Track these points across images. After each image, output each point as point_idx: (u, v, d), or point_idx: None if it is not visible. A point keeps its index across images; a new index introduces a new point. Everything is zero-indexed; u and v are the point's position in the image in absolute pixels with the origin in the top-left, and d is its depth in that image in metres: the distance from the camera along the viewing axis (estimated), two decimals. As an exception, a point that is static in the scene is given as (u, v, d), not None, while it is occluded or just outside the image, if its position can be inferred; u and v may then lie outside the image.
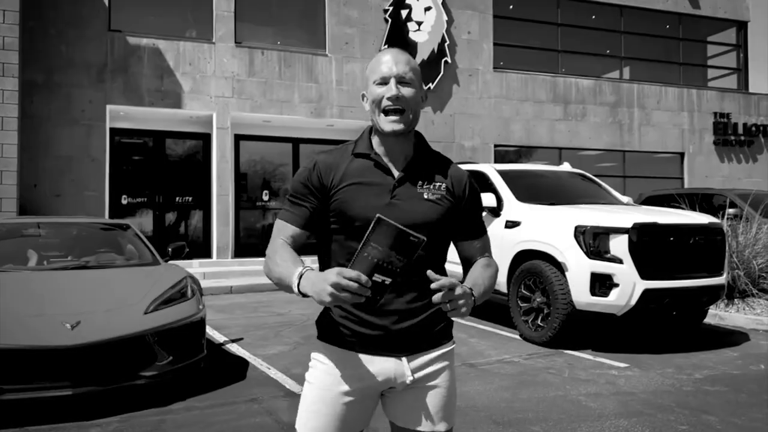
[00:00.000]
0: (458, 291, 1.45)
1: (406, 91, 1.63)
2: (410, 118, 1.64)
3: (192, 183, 12.35)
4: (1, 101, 9.25)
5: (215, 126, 11.69)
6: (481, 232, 1.80)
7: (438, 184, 1.70)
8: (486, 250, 1.80)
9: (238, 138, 12.66)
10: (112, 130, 11.40)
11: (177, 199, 12.30)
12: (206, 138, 12.25)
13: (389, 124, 1.63)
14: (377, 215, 1.40)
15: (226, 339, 6.21)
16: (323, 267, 1.71)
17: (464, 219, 1.75)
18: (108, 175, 11.09)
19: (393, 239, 1.39)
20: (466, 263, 1.79)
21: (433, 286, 1.43)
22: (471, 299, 1.52)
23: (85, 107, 10.85)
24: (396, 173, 1.68)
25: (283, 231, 1.72)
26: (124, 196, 11.84)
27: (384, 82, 1.63)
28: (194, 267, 11.18)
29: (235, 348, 5.83)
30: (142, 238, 5.78)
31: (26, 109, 10.33)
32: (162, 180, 12.15)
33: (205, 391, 4.43)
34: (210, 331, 6.57)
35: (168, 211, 12.29)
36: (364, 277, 1.38)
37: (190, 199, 12.38)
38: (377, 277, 1.41)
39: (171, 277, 4.86)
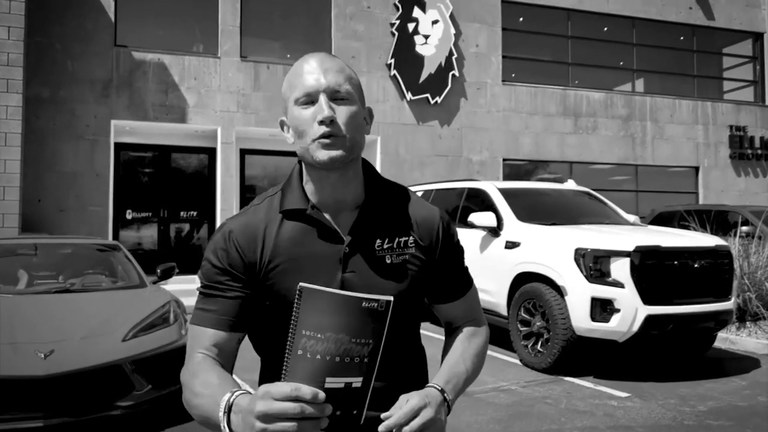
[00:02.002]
0: (421, 419, 1.04)
1: (343, 111, 1.16)
2: (351, 144, 1.17)
3: (197, 197, 12.31)
4: (5, 117, 9.26)
5: (220, 140, 11.65)
6: (463, 289, 1.36)
7: (403, 239, 1.25)
8: (471, 311, 1.37)
9: (244, 152, 12.62)
10: (116, 144, 11.41)
11: (182, 213, 12.27)
12: (211, 152, 12.22)
13: (324, 151, 1.14)
14: (299, 285, 0.91)
15: (217, 362, 6.07)
16: (266, 380, 1.27)
17: (439, 275, 1.31)
18: (112, 189, 11.07)
19: (339, 315, 0.88)
20: (447, 327, 1.40)
21: (381, 429, 1.01)
22: (443, 411, 1.13)
23: (89, 122, 10.87)
24: (345, 234, 1.21)
25: (199, 340, 1.20)
26: (128, 211, 11.83)
27: (310, 100, 1.16)
28: (197, 282, 11.09)
29: (224, 372, 5.69)
30: (130, 259, 5.69)
31: (32, 123, 10.37)
32: (167, 194, 12.13)
33: (185, 420, 4.30)
34: (202, 353, 6.45)
35: (173, 225, 12.26)
36: (305, 390, 0.88)
37: (195, 213, 12.34)
38: (334, 382, 0.89)
39: (154, 302, 4.74)
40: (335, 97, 1.16)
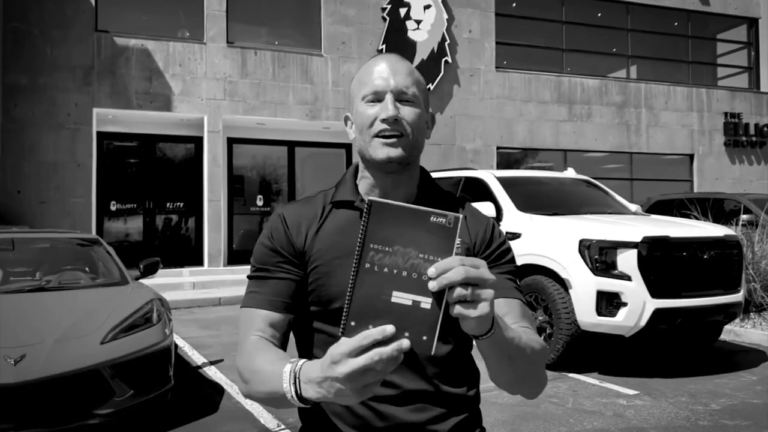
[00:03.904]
0: (479, 270, 0.88)
1: (407, 112, 1.17)
2: (411, 145, 1.18)
3: (183, 188, 11.97)
4: (-19, 105, 8.87)
5: (206, 129, 11.29)
6: (512, 292, 1.22)
7: None
8: (524, 317, 1.20)
9: (231, 141, 12.28)
10: (99, 134, 11.02)
11: (168, 204, 11.93)
12: (198, 141, 11.86)
13: (384, 148, 1.16)
14: (368, 199, 0.91)
15: (205, 361, 5.80)
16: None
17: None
18: (95, 180, 10.70)
19: (406, 229, 0.88)
20: None
21: (430, 271, 0.87)
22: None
23: (70, 110, 10.47)
24: None
25: (253, 323, 1.19)
26: (113, 202, 11.47)
27: (377, 98, 1.19)
28: (184, 276, 10.81)
29: (212, 372, 5.42)
30: (111, 254, 5.37)
31: (10, 112, 9.96)
32: (152, 185, 11.78)
33: (170, 427, 4.02)
34: (189, 351, 6.18)
35: (159, 217, 11.91)
36: (373, 332, 0.85)
37: (182, 204, 12.00)
38: (401, 298, 0.88)
39: (136, 300, 4.44)
40: (401, 98, 1.18)
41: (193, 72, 11.24)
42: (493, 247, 1.24)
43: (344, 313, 0.88)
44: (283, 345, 1.18)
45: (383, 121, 1.15)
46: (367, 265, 0.88)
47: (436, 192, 1.27)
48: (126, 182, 11.62)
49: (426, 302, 0.88)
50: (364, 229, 0.88)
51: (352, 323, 0.88)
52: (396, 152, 1.15)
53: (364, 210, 0.89)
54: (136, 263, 5.42)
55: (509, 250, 1.27)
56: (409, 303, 0.88)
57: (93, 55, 10.66)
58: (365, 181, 1.24)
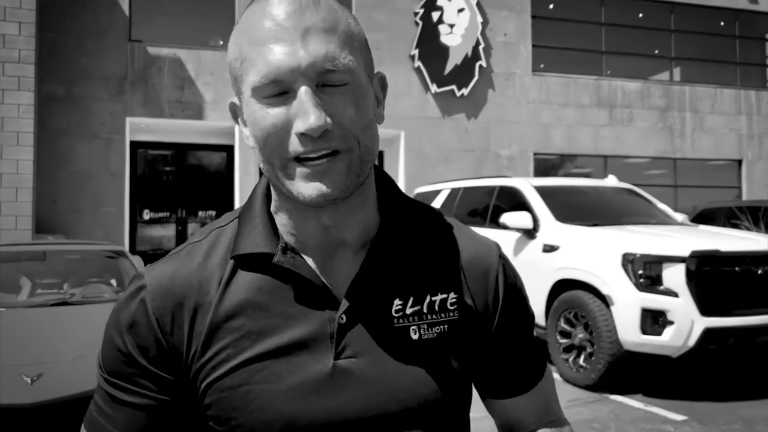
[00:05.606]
0: None
1: (341, 109, 0.67)
2: (358, 162, 0.69)
3: (215, 197, 11.98)
4: (17, 116, 8.98)
5: (237, 137, 11.26)
6: (536, 374, 0.86)
7: (439, 297, 0.76)
8: (548, 408, 0.88)
9: (264, 149, 12.24)
10: (132, 143, 11.10)
11: (200, 213, 11.98)
12: (229, 150, 11.85)
13: (309, 183, 0.67)
14: None
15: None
16: None
17: (499, 355, 0.82)
18: (128, 189, 10.76)
19: None
20: None
21: None
22: None
23: (104, 120, 10.56)
24: (341, 292, 0.74)
25: None
26: (145, 211, 11.55)
27: (280, 90, 0.67)
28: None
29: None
30: (135, 267, 5.30)
31: (46, 122, 10.09)
32: (184, 193, 11.83)
33: (190, 449, 3.87)
34: (215, 365, 6.05)
35: (191, 225, 11.95)
36: None
37: (214, 213, 12.01)
38: None
39: (158, 316, 4.32)
40: (327, 81, 0.66)
41: (224, 80, 11.23)
42: (511, 303, 0.82)
43: None
44: None
45: (302, 136, 0.65)
46: None
47: (407, 219, 0.79)
48: (158, 191, 11.70)
49: None
50: None
51: None
52: (330, 188, 0.67)
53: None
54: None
55: (524, 294, 0.85)
56: None
57: (126, 65, 10.74)
58: (285, 217, 0.76)
